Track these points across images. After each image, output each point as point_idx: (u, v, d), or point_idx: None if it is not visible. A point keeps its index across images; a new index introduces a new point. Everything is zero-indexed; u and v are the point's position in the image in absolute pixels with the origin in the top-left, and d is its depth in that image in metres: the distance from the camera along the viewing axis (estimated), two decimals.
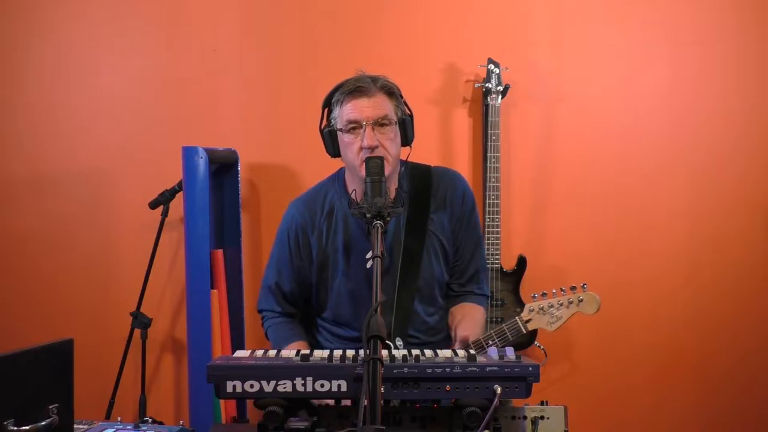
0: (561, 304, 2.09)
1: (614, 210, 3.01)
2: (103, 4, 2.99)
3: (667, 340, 3.02)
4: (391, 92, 2.00)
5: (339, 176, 2.17)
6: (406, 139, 2.04)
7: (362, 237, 2.06)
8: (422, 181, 2.12)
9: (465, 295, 2.19)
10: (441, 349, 1.60)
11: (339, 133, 2.00)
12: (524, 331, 2.12)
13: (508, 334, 2.12)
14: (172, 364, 3.01)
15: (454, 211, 2.13)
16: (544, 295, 2.13)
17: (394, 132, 1.99)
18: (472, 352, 1.54)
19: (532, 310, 2.11)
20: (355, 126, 1.95)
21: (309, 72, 2.96)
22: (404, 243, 2.07)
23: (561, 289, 2.10)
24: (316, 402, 1.47)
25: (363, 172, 1.88)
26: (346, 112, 1.96)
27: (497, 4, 3.00)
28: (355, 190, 2.03)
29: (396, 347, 2.00)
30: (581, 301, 2.08)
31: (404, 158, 2.10)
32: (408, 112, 2.05)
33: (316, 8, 3.00)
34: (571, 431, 1.46)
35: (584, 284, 2.10)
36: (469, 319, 2.10)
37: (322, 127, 2.06)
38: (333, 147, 2.04)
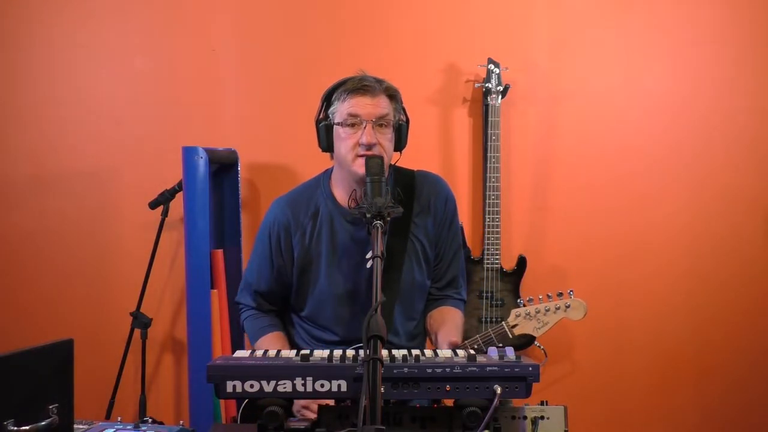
0: (548, 310, 2.10)
1: (614, 210, 3.01)
2: (102, 4, 2.99)
3: (668, 340, 3.02)
4: (393, 96, 2.01)
5: (325, 177, 2.15)
6: (398, 145, 2.04)
7: (347, 239, 2.06)
8: (406, 186, 2.11)
9: (444, 299, 2.18)
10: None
11: (336, 127, 1.99)
12: (510, 336, 2.12)
13: (494, 338, 2.12)
14: (172, 364, 3.01)
15: (437, 216, 2.12)
16: (530, 300, 2.14)
17: (391, 134, 2.00)
18: (472, 352, 1.54)
19: (519, 315, 2.11)
20: (354, 121, 1.95)
21: (309, 72, 2.96)
22: (387, 247, 2.05)
23: (548, 295, 2.12)
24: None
25: (354, 167, 1.92)
26: (347, 106, 1.96)
27: (497, 4, 3.00)
28: (355, 190, 2.02)
29: None
30: (568, 307, 2.09)
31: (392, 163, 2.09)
32: (404, 118, 2.06)
33: (316, 8, 3.00)
34: (571, 431, 1.46)
35: (571, 291, 2.11)
36: (451, 323, 2.08)
37: (319, 119, 2.06)
38: (327, 141, 2.03)
